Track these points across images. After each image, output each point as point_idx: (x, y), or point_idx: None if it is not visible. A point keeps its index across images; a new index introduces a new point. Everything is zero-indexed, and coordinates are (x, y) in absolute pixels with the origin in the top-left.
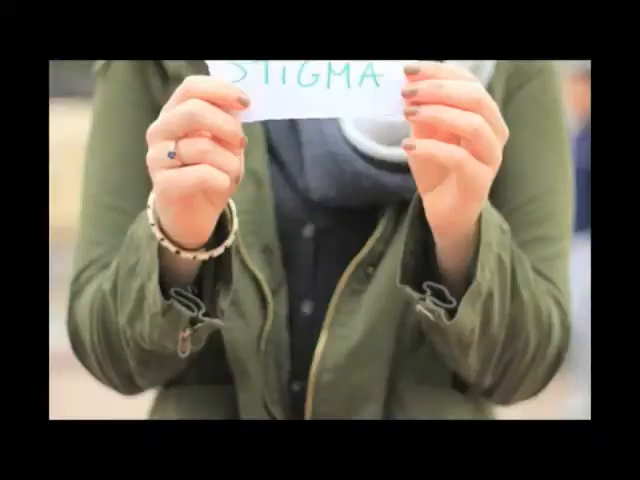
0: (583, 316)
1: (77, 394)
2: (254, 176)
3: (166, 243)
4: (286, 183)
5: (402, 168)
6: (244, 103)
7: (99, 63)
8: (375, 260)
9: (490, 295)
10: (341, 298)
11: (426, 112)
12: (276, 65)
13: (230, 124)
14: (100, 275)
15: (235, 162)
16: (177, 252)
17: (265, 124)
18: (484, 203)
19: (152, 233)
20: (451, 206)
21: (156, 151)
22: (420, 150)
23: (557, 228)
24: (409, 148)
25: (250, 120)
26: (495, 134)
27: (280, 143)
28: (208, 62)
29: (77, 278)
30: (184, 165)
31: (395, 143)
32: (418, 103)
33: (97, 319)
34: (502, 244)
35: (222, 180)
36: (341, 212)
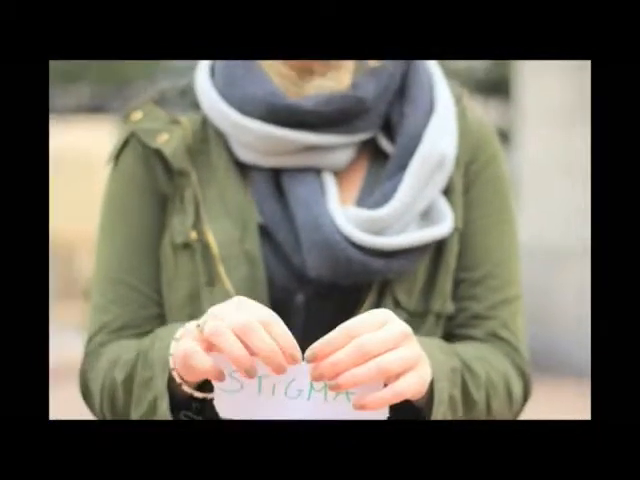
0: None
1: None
2: (248, 256)
3: (179, 381)
4: (279, 261)
5: (386, 253)
6: None
7: (112, 153)
8: None
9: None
10: None
11: (344, 380)
12: (268, 380)
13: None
14: (110, 346)
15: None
16: (179, 384)
17: (260, 210)
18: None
19: (166, 362)
20: None
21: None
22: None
23: (516, 288)
24: (361, 407)
25: (245, 417)
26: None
27: (274, 226)
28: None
29: (90, 340)
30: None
31: (379, 233)
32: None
33: (107, 402)
34: (453, 383)
35: None
36: (330, 284)
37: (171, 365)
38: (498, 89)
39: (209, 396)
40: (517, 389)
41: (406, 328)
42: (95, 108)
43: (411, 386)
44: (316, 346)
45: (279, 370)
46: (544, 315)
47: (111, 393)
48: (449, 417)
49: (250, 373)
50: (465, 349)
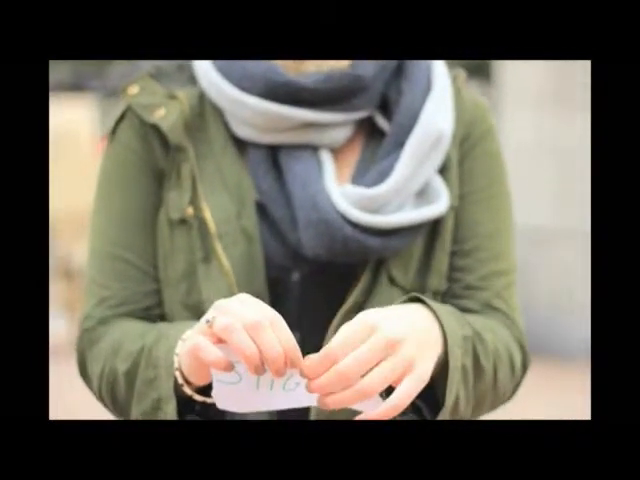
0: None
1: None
2: (245, 233)
3: (181, 382)
4: (276, 238)
5: (382, 232)
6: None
7: (109, 127)
8: (358, 308)
9: (457, 400)
10: None
11: (331, 402)
12: (266, 375)
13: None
14: (111, 328)
15: None
16: (181, 385)
17: (257, 186)
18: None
19: (171, 364)
20: None
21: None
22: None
23: (508, 261)
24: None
25: (241, 411)
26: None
27: (271, 203)
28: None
29: (88, 316)
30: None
31: (376, 211)
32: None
33: (107, 388)
34: (465, 351)
35: None
36: (326, 262)
37: (175, 365)
38: (479, 70)
39: (209, 400)
40: (517, 360)
41: (394, 335)
42: (75, 87)
43: (408, 393)
44: (303, 369)
45: (278, 373)
46: (529, 296)
47: (111, 381)
48: (462, 391)
49: (259, 370)
50: (471, 318)
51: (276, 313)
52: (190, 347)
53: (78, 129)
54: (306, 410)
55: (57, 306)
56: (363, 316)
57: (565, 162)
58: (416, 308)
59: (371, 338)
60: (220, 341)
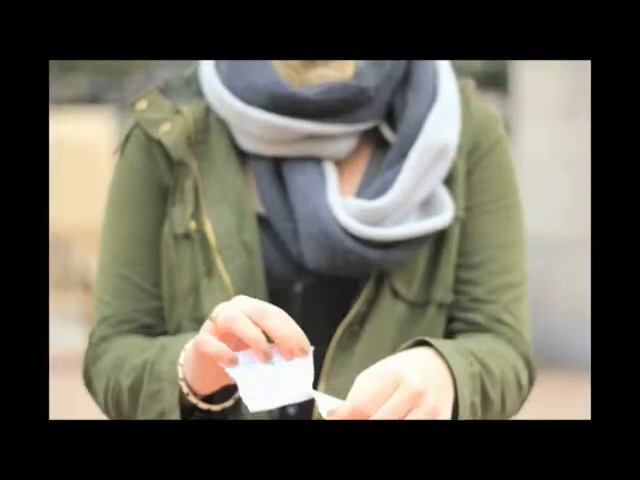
0: None
1: (73, 385)
2: (246, 247)
3: (186, 391)
4: (278, 250)
5: (383, 244)
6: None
7: (118, 143)
8: (360, 320)
9: None
10: (334, 354)
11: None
12: (282, 365)
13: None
14: (113, 344)
15: None
16: (186, 394)
17: (260, 199)
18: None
19: (175, 376)
20: None
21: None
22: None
23: (519, 274)
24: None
25: (273, 407)
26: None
27: (273, 215)
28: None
29: (93, 333)
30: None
31: (377, 224)
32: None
33: (112, 403)
34: (473, 389)
35: None
36: (328, 275)
37: (180, 375)
38: (496, 82)
39: (213, 408)
40: (524, 378)
41: (418, 386)
42: (92, 99)
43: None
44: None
45: (291, 353)
46: (545, 306)
47: (115, 396)
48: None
49: (267, 355)
50: (477, 346)
51: (279, 309)
52: (193, 345)
53: (97, 141)
54: (308, 410)
55: (74, 317)
56: (385, 368)
57: (580, 173)
58: (425, 353)
59: (398, 391)
60: (224, 338)
